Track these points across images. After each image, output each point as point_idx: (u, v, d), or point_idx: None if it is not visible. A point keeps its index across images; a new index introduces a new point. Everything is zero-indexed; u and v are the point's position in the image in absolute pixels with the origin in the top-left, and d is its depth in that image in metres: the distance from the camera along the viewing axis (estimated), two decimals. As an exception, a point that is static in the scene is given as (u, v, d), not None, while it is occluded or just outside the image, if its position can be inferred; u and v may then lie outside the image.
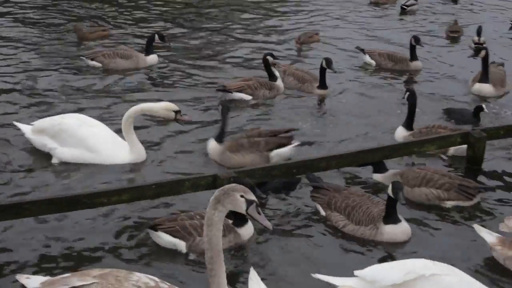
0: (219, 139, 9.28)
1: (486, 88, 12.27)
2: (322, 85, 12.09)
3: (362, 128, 10.74)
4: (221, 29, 16.81)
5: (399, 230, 7.42)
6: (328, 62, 11.79)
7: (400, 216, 7.47)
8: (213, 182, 7.75)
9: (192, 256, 7.09)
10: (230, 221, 7.26)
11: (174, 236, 7.13)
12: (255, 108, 11.60)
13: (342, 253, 7.38)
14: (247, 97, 11.73)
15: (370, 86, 12.94)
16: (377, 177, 8.76)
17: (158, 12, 18.40)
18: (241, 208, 5.01)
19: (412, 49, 13.79)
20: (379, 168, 8.74)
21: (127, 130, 9.24)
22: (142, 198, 7.78)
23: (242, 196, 4.98)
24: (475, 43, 15.59)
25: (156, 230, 7.16)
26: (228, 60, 14.33)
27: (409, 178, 8.39)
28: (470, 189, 8.25)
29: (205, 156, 9.49)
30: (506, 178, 9.13)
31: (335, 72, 12.09)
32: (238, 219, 7.23)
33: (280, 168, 8.15)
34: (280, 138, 9.28)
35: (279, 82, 12.18)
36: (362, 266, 6.25)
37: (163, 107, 9.28)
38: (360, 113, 11.45)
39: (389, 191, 7.30)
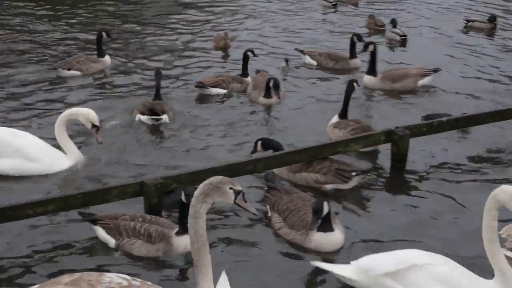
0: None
1: (371, 81, 12.93)
2: (267, 94, 11.99)
3: (307, 130, 10.98)
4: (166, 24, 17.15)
5: (327, 239, 7.43)
6: (275, 85, 11.81)
7: (336, 226, 7.49)
8: (140, 190, 7.83)
9: (119, 253, 7.37)
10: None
11: (107, 233, 7.43)
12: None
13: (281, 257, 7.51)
14: (222, 91, 12.52)
15: (314, 86, 13.34)
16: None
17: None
18: (230, 199, 5.27)
19: (352, 47, 14.18)
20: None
21: (61, 136, 9.22)
22: (69, 208, 7.79)
23: (230, 188, 5.23)
24: (401, 36, 16.48)
25: (95, 224, 7.47)
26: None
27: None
28: (346, 172, 8.77)
29: (143, 158, 9.74)
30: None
31: (279, 97, 11.93)
32: (182, 228, 7.22)
33: (207, 173, 8.20)
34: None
35: (249, 78, 12.95)
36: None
37: (83, 114, 9.23)
38: (306, 114, 11.80)
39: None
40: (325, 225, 7.41)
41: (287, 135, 10.77)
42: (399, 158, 9.53)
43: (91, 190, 7.89)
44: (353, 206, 8.58)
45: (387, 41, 16.47)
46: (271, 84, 11.83)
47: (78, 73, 13.35)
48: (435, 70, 13.14)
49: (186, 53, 15.41)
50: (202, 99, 12.49)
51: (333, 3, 20.15)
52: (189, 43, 16.20)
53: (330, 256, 7.37)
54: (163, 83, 12.39)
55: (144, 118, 11.05)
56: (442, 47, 16.15)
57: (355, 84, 10.78)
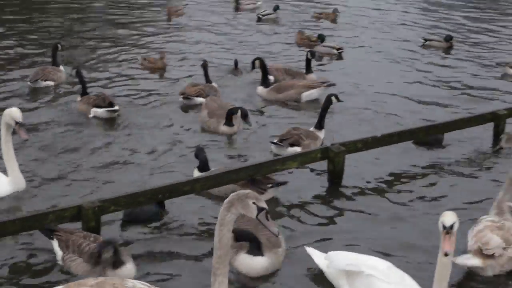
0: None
1: (262, 91, 13.74)
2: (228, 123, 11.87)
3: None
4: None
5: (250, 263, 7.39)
6: (244, 115, 11.54)
7: (262, 251, 7.41)
8: (78, 213, 7.85)
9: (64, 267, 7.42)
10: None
11: (59, 245, 7.52)
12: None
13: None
14: (203, 100, 12.91)
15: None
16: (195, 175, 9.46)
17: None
18: (252, 213, 5.48)
19: (308, 62, 14.64)
20: (203, 168, 9.52)
21: (8, 151, 9.10)
22: (6, 234, 7.74)
23: (254, 203, 5.43)
24: (337, 49, 17.62)
25: (51, 235, 7.58)
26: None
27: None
28: (262, 184, 9.04)
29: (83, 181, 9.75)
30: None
31: (250, 125, 11.74)
32: (116, 261, 7.18)
33: (146, 194, 8.30)
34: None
35: (215, 84, 13.95)
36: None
37: (6, 113, 9.06)
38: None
39: None
40: (254, 250, 7.35)
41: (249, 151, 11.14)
42: (335, 174, 9.78)
43: (28, 216, 7.85)
44: (290, 222, 8.72)
45: (318, 56, 16.98)
46: (238, 114, 11.57)
47: (51, 83, 14.18)
48: (329, 85, 13.75)
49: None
50: (150, 112, 12.83)
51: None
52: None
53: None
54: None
55: (100, 111, 12.12)
56: (386, 63, 16.89)
57: (333, 98, 11.33)
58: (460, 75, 16.24)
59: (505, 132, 10.85)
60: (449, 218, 6.18)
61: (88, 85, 13.33)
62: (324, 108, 11.33)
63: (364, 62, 17.41)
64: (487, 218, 7.81)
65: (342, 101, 11.81)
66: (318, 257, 7.24)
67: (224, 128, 11.76)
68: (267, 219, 5.52)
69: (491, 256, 7.33)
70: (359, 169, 10.24)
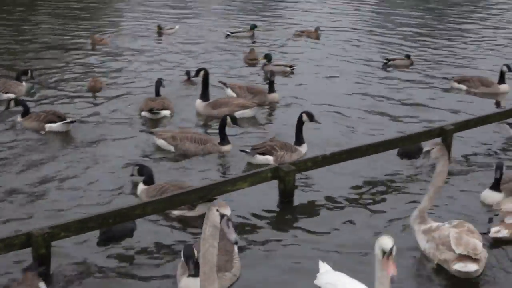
0: None
1: (199, 105, 14.19)
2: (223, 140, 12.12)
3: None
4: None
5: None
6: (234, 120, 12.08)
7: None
8: (27, 240, 7.85)
9: None
10: None
11: None
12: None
13: None
14: (167, 112, 13.95)
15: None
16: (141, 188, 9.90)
17: None
18: (216, 221, 5.77)
19: (271, 83, 14.98)
20: (148, 181, 9.91)
21: None
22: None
23: (217, 210, 5.77)
24: (290, 67, 18.18)
25: None
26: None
27: (150, 190, 9.74)
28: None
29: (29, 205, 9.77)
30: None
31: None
32: None
33: (96, 220, 8.35)
34: None
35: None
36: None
37: None
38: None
39: None
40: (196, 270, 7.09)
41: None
42: (286, 193, 9.93)
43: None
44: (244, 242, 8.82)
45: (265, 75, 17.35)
46: (228, 121, 12.00)
47: (13, 95, 14.57)
48: (260, 105, 14.23)
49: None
50: (99, 131, 13.03)
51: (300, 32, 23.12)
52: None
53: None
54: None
55: (56, 125, 12.68)
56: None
57: (304, 114, 11.72)
58: (412, 91, 16.63)
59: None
60: (387, 242, 6.32)
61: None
62: (298, 125, 11.79)
63: (317, 78, 17.76)
64: (434, 225, 8.26)
65: (318, 122, 12.13)
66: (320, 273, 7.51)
67: (226, 148, 12.03)
68: (228, 226, 5.69)
69: (477, 260, 7.76)
70: (310, 187, 10.44)
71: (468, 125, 12.53)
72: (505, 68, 16.30)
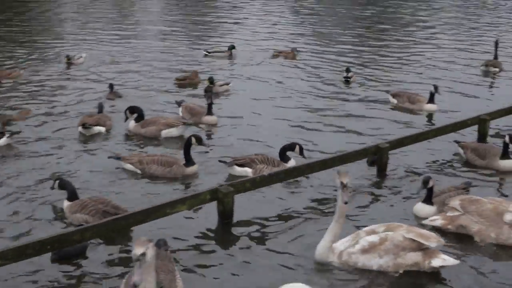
0: None
1: (131, 125, 14.65)
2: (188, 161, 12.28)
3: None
4: None
5: None
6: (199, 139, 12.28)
7: None
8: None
9: None
10: None
11: None
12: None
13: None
14: (102, 128, 14.45)
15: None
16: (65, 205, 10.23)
17: None
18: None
19: (209, 106, 15.30)
20: (71, 197, 10.25)
21: None
22: None
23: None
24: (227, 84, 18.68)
25: None
26: None
27: (72, 206, 10.04)
28: (111, 215, 9.47)
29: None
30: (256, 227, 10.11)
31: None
32: None
33: (34, 246, 8.36)
34: None
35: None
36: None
37: None
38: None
39: None
40: None
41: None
42: (225, 215, 10.10)
43: None
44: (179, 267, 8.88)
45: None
46: (192, 141, 12.19)
47: None
48: (186, 123, 14.64)
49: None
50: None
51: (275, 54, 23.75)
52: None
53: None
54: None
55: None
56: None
57: (192, 138, 12.12)
58: (353, 106, 17.19)
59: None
60: (344, 176, 8.46)
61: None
62: (185, 147, 12.16)
63: (254, 97, 18.17)
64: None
65: (206, 146, 12.72)
66: None
67: (191, 169, 12.17)
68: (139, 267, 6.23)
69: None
70: (249, 208, 10.63)
71: (403, 143, 12.92)
72: (432, 89, 16.84)
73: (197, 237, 9.72)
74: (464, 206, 9.74)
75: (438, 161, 13.12)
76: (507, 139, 12.50)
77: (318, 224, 10.08)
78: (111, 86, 17.74)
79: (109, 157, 12.60)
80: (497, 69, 21.86)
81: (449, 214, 9.87)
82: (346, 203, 8.46)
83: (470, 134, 14.48)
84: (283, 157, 12.29)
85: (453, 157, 13.36)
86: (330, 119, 15.94)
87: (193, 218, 10.32)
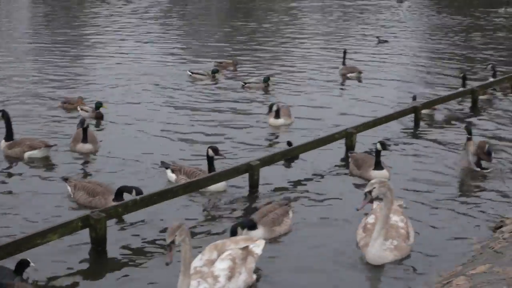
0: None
1: (2, 145, 14.88)
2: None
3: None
4: None
5: None
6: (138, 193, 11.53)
7: None
8: None
9: None
10: None
11: None
12: None
13: None
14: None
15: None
16: None
17: None
18: None
19: (84, 131, 14.95)
20: None
21: None
22: None
23: None
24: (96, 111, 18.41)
25: None
26: None
27: None
28: None
29: None
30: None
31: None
32: None
33: None
34: None
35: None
36: None
37: None
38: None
39: None
40: None
41: None
42: (98, 241, 10.15)
43: None
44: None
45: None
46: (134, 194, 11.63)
47: None
48: (49, 145, 14.65)
49: None
50: None
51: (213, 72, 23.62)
52: None
53: None
54: None
55: None
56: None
57: (209, 150, 12.80)
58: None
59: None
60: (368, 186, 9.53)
61: None
62: (208, 159, 12.85)
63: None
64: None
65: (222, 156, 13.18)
66: None
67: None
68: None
69: None
70: (123, 234, 10.77)
71: (273, 160, 13.42)
72: (275, 107, 17.48)
73: (69, 268, 9.65)
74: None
75: (316, 174, 13.78)
76: (378, 146, 13.22)
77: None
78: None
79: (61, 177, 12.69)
80: (360, 75, 24.05)
81: None
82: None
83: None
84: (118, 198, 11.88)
85: (335, 168, 14.17)
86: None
87: (67, 246, 10.27)
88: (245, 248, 9.11)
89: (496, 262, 8.72)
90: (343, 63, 25.01)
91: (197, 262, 8.79)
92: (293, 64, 27.02)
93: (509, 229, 10.32)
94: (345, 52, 25.51)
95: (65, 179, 12.50)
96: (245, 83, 22.19)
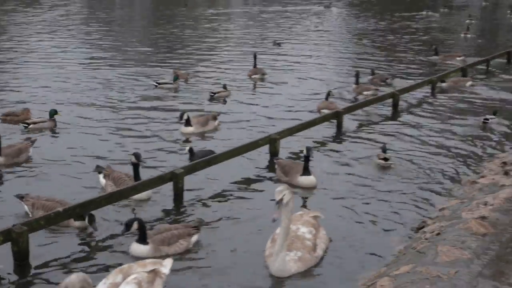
0: None
1: None
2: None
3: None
4: None
5: None
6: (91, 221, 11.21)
7: None
8: None
9: None
10: None
11: None
12: None
13: None
14: None
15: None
16: None
17: None
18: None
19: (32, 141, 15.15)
20: None
21: None
22: None
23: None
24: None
25: None
26: None
27: None
28: None
29: None
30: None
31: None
32: None
33: None
34: None
35: None
36: None
37: None
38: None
39: None
40: None
41: None
42: (21, 256, 9.97)
43: None
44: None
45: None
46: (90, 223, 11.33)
47: None
48: None
49: None
50: None
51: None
52: None
53: None
54: None
55: None
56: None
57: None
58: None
59: None
60: (277, 194, 9.37)
61: None
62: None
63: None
64: None
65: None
66: None
67: (77, 224, 11.33)
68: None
69: None
70: (46, 248, 10.61)
71: (196, 168, 13.49)
72: (185, 116, 17.64)
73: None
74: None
75: (239, 181, 13.92)
76: (305, 151, 13.38)
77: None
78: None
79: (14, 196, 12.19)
80: (264, 76, 26.03)
81: None
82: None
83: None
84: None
85: (261, 174, 14.35)
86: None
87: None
88: (152, 271, 8.88)
89: (419, 262, 9.01)
90: (254, 66, 26.58)
91: (101, 287, 8.49)
92: (208, 69, 28.02)
93: (431, 229, 10.65)
94: (255, 56, 26.91)
95: (21, 197, 12.04)
96: (158, 83, 23.45)
